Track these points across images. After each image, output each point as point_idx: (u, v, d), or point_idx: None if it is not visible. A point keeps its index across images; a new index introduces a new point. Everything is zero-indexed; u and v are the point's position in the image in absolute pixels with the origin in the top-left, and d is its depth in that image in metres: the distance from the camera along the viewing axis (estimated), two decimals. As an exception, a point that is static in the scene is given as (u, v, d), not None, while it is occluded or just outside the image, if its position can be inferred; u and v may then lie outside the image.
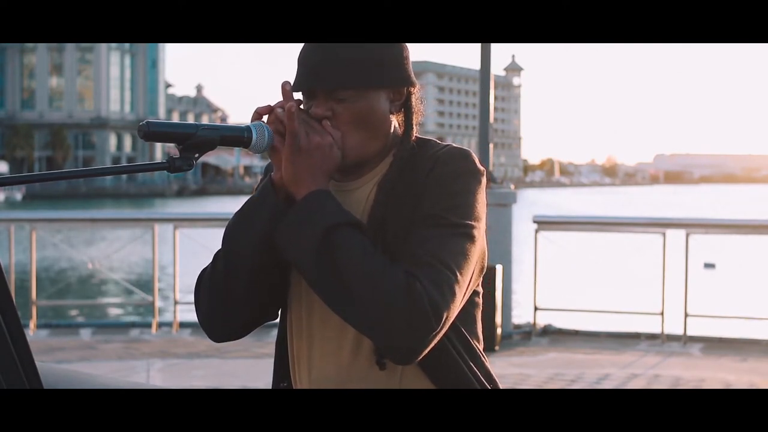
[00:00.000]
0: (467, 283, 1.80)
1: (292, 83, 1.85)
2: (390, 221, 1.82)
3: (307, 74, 1.85)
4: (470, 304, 1.89)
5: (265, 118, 1.83)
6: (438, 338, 1.74)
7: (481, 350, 1.92)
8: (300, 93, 1.88)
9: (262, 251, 1.82)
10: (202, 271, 1.92)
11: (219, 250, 1.89)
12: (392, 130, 1.92)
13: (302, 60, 1.87)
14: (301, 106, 1.87)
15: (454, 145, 1.88)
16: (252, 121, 1.83)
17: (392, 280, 1.70)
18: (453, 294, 1.74)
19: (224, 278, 1.85)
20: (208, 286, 1.88)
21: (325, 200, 1.78)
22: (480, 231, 1.83)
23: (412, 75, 1.92)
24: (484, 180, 1.86)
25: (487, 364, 1.92)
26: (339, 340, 1.87)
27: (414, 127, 1.92)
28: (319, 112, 1.84)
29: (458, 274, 1.75)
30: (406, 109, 1.93)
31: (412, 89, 1.93)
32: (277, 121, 1.81)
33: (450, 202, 1.80)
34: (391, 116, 1.91)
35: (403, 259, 1.75)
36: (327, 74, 1.83)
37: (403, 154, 1.88)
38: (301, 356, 1.93)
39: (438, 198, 1.80)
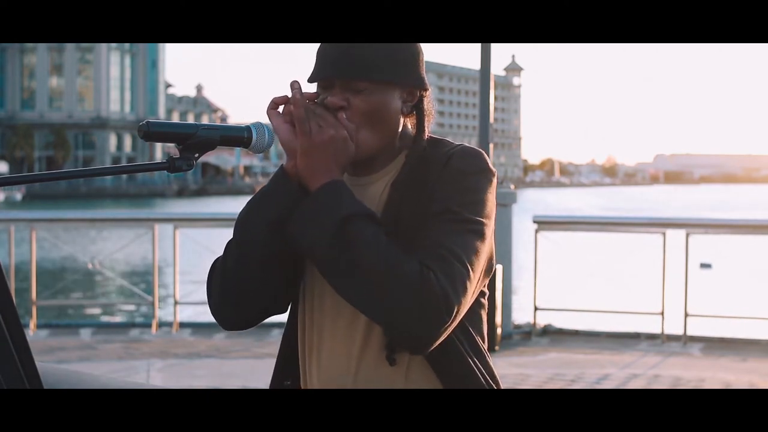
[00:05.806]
0: (477, 280, 1.82)
1: (309, 77, 1.89)
2: (403, 220, 1.83)
3: (326, 64, 1.88)
4: (477, 303, 1.91)
5: (281, 108, 1.85)
6: (449, 331, 1.76)
7: (486, 350, 1.93)
8: (315, 85, 1.91)
9: (275, 238, 1.83)
10: (215, 261, 1.93)
11: (230, 240, 1.90)
12: (401, 130, 1.94)
13: (321, 52, 1.89)
14: (316, 100, 1.88)
15: (467, 144, 1.91)
16: (268, 110, 1.85)
17: (407, 270, 1.71)
18: (465, 288, 1.75)
19: (237, 265, 1.86)
20: (220, 274, 1.89)
21: (341, 191, 1.79)
22: (490, 230, 1.84)
23: (426, 78, 1.95)
24: (495, 181, 1.88)
25: (491, 363, 1.93)
26: (350, 332, 1.88)
27: (426, 129, 1.95)
28: (335, 101, 1.86)
29: (470, 269, 1.77)
30: (418, 111, 1.95)
31: (425, 93, 1.95)
32: (291, 112, 1.82)
33: (463, 199, 1.82)
34: (401, 116, 1.93)
35: (416, 251, 1.76)
36: (347, 65, 1.86)
37: (415, 153, 1.90)
38: (311, 349, 1.93)
39: (451, 194, 1.82)
